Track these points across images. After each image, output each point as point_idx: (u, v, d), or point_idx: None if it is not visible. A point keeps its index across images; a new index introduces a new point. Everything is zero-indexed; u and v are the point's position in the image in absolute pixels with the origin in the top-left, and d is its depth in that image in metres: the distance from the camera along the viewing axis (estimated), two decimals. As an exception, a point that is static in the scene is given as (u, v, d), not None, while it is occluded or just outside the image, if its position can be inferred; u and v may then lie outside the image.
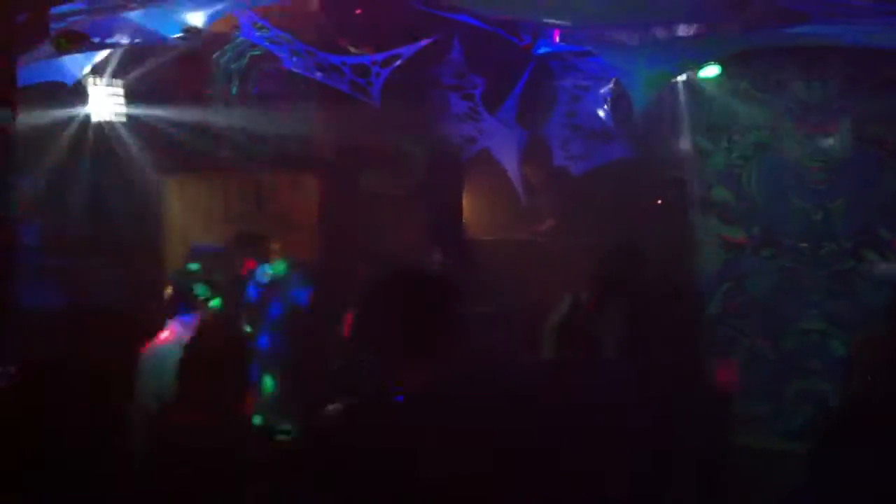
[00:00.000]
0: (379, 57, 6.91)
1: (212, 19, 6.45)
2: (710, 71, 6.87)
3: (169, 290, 4.76)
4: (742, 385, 6.31)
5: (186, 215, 7.33)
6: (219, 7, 5.97)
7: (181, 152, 6.69)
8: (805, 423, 6.18)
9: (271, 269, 6.24)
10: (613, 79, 7.38)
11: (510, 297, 6.50)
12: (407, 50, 6.80)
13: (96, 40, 5.90)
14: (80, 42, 5.31)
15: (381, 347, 3.05)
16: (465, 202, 8.07)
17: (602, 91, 7.63)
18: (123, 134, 6.50)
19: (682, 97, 7.21)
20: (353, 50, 7.07)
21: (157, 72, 6.56)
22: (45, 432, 2.46)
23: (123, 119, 6.47)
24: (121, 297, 5.41)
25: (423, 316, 3.00)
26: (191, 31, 6.46)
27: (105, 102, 6.34)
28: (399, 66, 6.86)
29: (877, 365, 3.37)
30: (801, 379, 6.38)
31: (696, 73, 6.96)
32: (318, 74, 6.92)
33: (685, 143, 7.22)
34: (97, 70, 6.31)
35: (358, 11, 7.37)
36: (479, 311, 5.81)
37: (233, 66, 7.01)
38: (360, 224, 7.67)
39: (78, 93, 6.28)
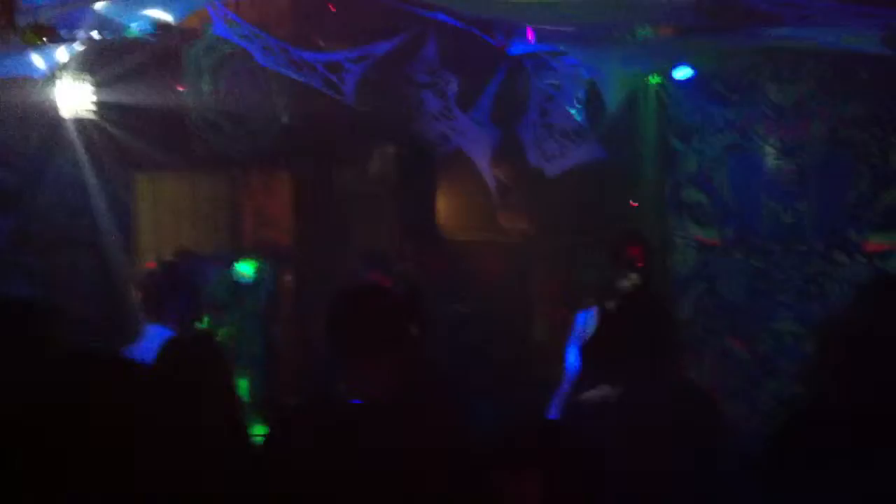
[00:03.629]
0: (352, 53, 6.86)
1: (183, 14, 6.38)
2: (684, 72, 6.89)
3: None
4: (715, 387, 6.33)
5: (159, 213, 7.24)
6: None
7: (152, 148, 6.60)
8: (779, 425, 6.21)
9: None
10: (587, 79, 7.37)
11: (484, 297, 6.49)
12: (381, 46, 6.75)
13: (65, 34, 5.81)
14: (49, 36, 5.21)
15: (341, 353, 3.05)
16: (438, 202, 8.01)
17: (575, 90, 7.61)
18: (93, 129, 6.40)
19: (654, 98, 7.23)
20: (325, 46, 7.02)
21: (128, 66, 6.46)
22: None
23: (93, 114, 6.37)
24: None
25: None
26: (162, 26, 6.38)
27: (74, 97, 6.24)
28: (372, 63, 6.81)
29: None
30: (774, 380, 6.42)
31: (669, 74, 6.98)
32: (292, 71, 6.85)
33: (658, 144, 7.23)
34: (67, 64, 6.21)
35: (331, 8, 7.32)
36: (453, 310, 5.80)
37: (204, 61, 6.92)
38: (335, 222, 7.61)
39: (47, 87, 6.17)
